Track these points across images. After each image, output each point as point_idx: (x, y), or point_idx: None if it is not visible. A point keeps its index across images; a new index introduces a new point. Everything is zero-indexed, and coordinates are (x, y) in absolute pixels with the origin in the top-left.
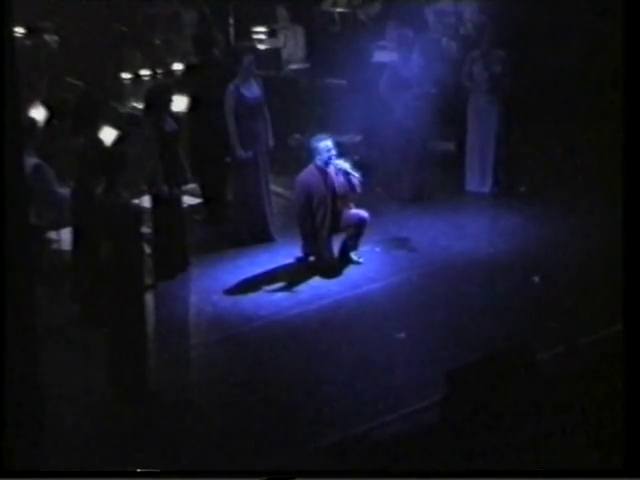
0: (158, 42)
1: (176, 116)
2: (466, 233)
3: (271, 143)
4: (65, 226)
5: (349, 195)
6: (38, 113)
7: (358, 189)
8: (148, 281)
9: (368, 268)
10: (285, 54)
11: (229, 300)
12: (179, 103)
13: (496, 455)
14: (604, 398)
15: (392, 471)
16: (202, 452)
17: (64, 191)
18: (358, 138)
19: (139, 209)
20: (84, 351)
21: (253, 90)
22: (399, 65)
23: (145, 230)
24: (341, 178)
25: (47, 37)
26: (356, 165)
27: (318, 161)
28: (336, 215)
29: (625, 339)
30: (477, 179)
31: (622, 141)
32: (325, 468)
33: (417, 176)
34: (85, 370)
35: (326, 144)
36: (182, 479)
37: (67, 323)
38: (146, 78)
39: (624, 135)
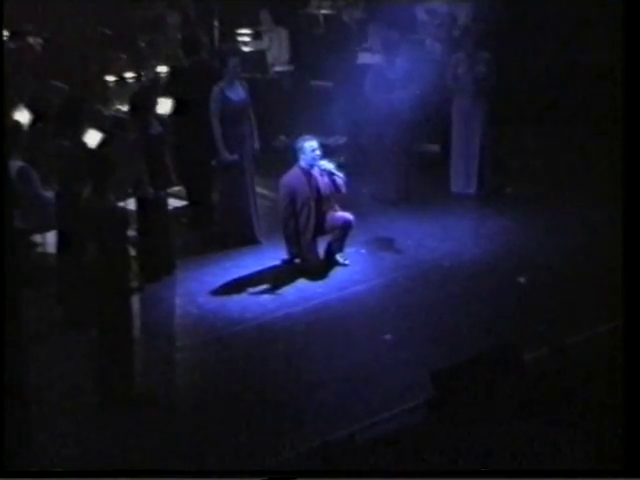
0: (143, 44)
1: (161, 119)
2: (452, 234)
3: (256, 145)
4: (50, 229)
5: (334, 196)
6: (22, 116)
7: (343, 189)
8: (134, 284)
9: (354, 270)
10: (270, 56)
11: (215, 302)
12: (164, 106)
13: (483, 456)
14: (604, 398)
15: (378, 472)
16: (187, 454)
17: (49, 194)
18: (343, 140)
19: (124, 212)
20: (70, 354)
21: (238, 93)
22: (383, 67)
23: (130, 233)
24: (326, 179)
25: (31, 40)
26: (341, 167)
27: (302, 162)
28: (321, 217)
29: (625, 338)
30: (462, 180)
31: (607, 141)
32: (308, 469)
33: (402, 178)
34: (71, 373)
35: (311, 144)
36: (175, 479)
37: (53, 326)
38: (131, 80)
39: (616, 136)
